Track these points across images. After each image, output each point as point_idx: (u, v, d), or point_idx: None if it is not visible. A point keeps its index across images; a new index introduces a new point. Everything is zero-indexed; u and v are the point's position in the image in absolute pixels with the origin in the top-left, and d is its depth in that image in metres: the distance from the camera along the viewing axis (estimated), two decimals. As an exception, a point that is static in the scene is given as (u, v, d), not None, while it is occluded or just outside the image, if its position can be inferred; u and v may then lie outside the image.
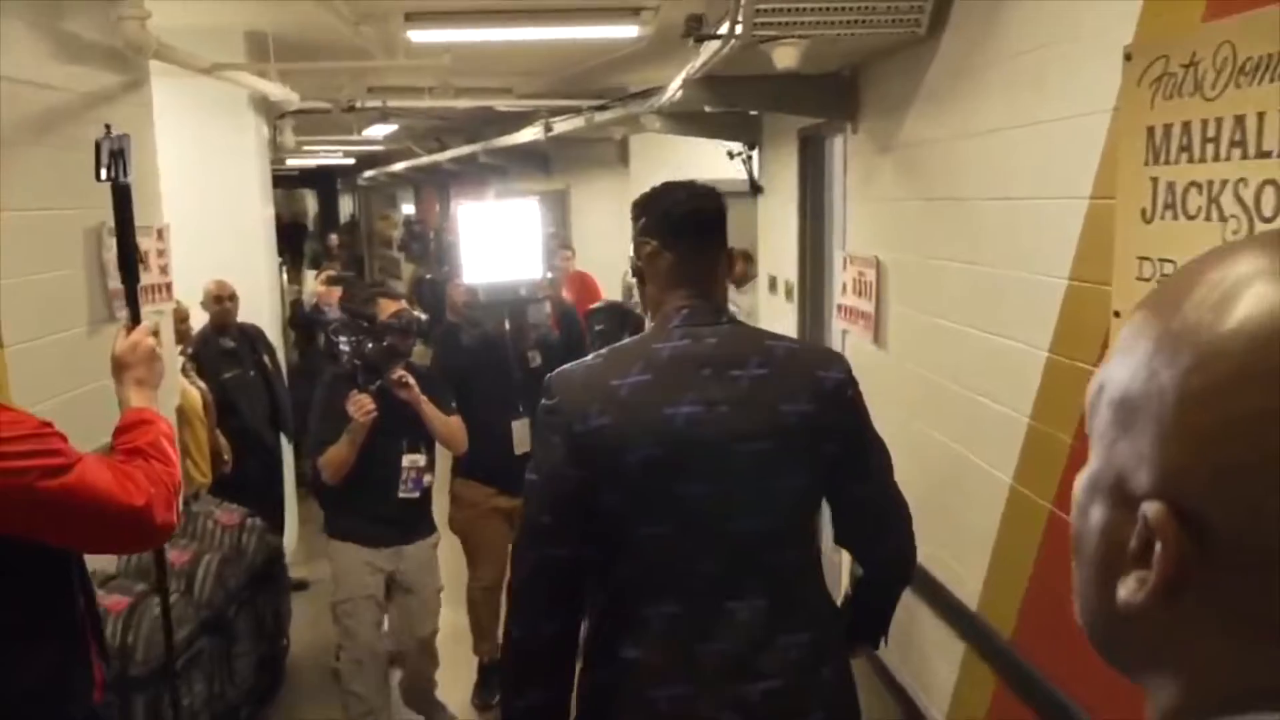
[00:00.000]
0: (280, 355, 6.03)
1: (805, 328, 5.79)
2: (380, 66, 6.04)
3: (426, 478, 3.61)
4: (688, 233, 1.79)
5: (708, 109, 5.16)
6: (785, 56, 3.44)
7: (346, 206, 26.83)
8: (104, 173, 1.97)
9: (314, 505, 6.43)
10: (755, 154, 6.59)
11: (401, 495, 3.55)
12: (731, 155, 6.62)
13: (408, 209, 19.82)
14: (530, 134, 8.73)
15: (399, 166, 15.26)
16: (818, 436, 1.71)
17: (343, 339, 3.52)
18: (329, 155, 15.88)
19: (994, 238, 3.23)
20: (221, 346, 5.33)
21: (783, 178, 6.11)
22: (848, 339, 4.86)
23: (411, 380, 3.50)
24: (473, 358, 4.11)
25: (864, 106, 4.44)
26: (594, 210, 9.91)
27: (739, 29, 3.32)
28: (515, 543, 1.81)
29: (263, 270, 5.85)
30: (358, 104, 6.29)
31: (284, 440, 5.68)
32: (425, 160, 13.27)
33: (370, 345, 3.47)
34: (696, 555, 1.67)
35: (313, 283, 6.33)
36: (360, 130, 11.12)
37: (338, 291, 6.50)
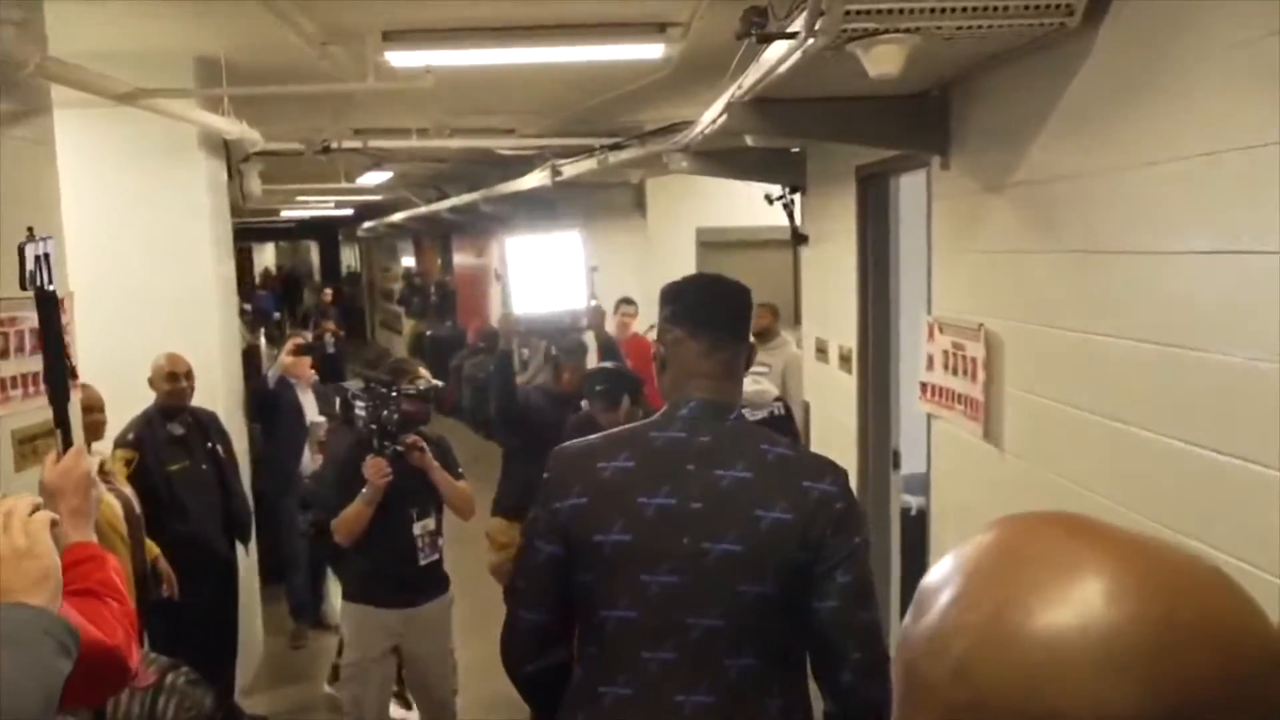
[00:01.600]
0: (241, 447, 5.06)
1: (868, 405, 4.80)
2: (360, 100, 5.13)
3: (440, 540, 3.72)
4: (716, 325, 1.79)
5: (750, 141, 4.24)
6: (885, 59, 2.48)
7: (350, 258, 26.13)
8: (28, 282, 1.77)
9: (282, 612, 5.54)
10: (798, 198, 5.65)
11: (423, 563, 3.61)
12: (771, 200, 5.68)
13: (408, 261, 18.99)
14: (536, 179, 7.83)
15: (398, 217, 14.43)
16: (790, 545, 1.67)
17: (360, 404, 3.60)
18: (320, 206, 15.06)
19: (1176, 304, 2.26)
20: (170, 433, 4.35)
21: (835, 224, 5.16)
22: (937, 426, 3.86)
23: (424, 446, 3.61)
24: (525, 403, 4.60)
25: (960, 133, 3.48)
26: (607, 262, 8.98)
27: (821, 22, 2.37)
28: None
29: (216, 342, 4.88)
30: (334, 145, 5.41)
31: (240, 551, 4.68)
32: (424, 210, 12.42)
33: (386, 411, 3.53)
34: (655, 644, 1.68)
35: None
36: (354, 178, 10.26)
37: (308, 363, 5.53)
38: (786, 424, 4.99)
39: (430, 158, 7.59)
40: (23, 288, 1.79)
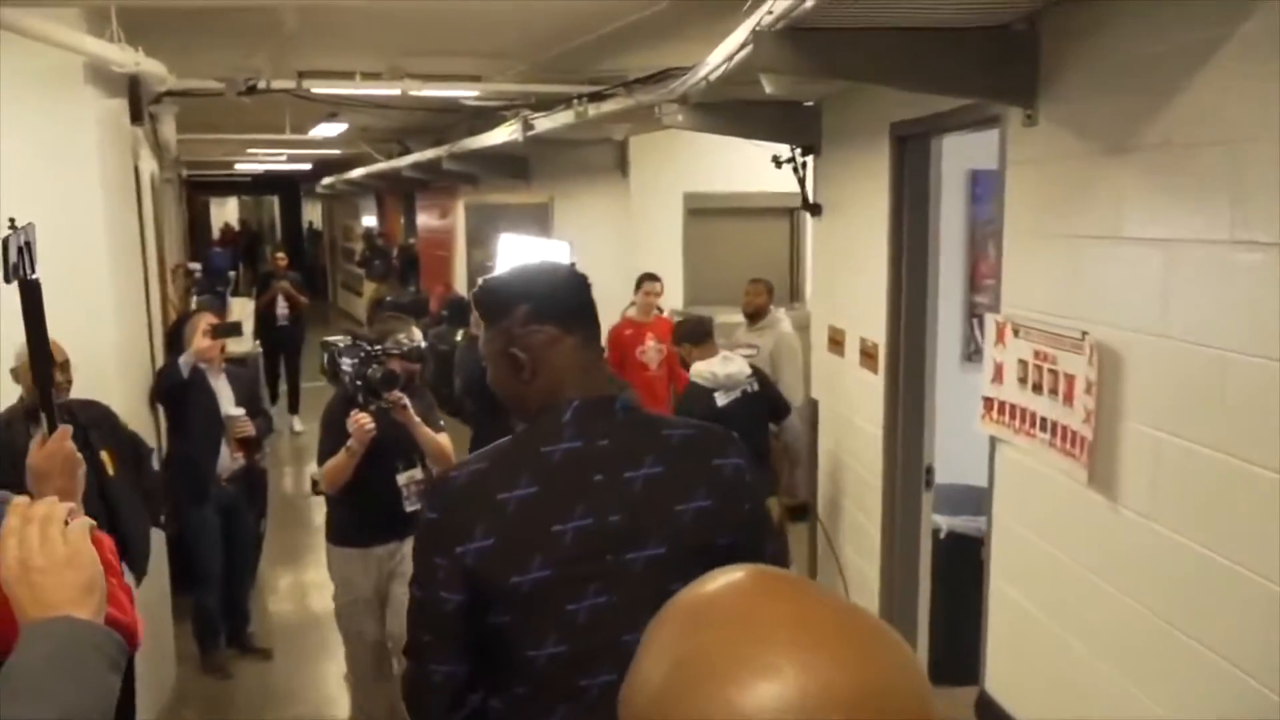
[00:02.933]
0: (155, 444, 4.20)
1: (897, 411, 4.01)
2: (291, 30, 4.22)
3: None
4: (583, 315, 1.64)
5: (769, 88, 3.42)
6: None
7: (313, 216, 25.00)
8: (12, 274, 1.63)
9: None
10: (810, 161, 4.82)
11: (408, 509, 3.67)
12: (779, 162, 4.84)
13: (369, 220, 17.95)
14: (505, 134, 6.93)
15: (358, 173, 13.42)
16: (713, 531, 1.58)
17: (346, 361, 3.70)
18: (271, 160, 14.02)
19: None
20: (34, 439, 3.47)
21: (858, 193, 4.34)
22: (1005, 454, 3.07)
23: (407, 403, 3.68)
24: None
25: (1057, 78, 2.66)
26: (583, 229, 8.11)
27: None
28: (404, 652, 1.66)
29: (110, 319, 3.99)
30: (261, 85, 4.52)
31: (132, 583, 3.81)
32: (383, 166, 11.44)
33: (372, 369, 3.65)
34: (591, 670, 1.54)
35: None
36: (306, 130, 9.29)
37: (220, 346, 4.65)
38: (766, 398, 4.61)
39: (385, 106, 6.68)
40: (6, 281, 1.75)
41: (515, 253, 9.68)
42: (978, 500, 4.67)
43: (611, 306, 6.80)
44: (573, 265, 1.83)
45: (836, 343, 4.62)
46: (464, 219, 11.33)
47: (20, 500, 1.25)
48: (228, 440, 4.66)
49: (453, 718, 1.62)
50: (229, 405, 4.69)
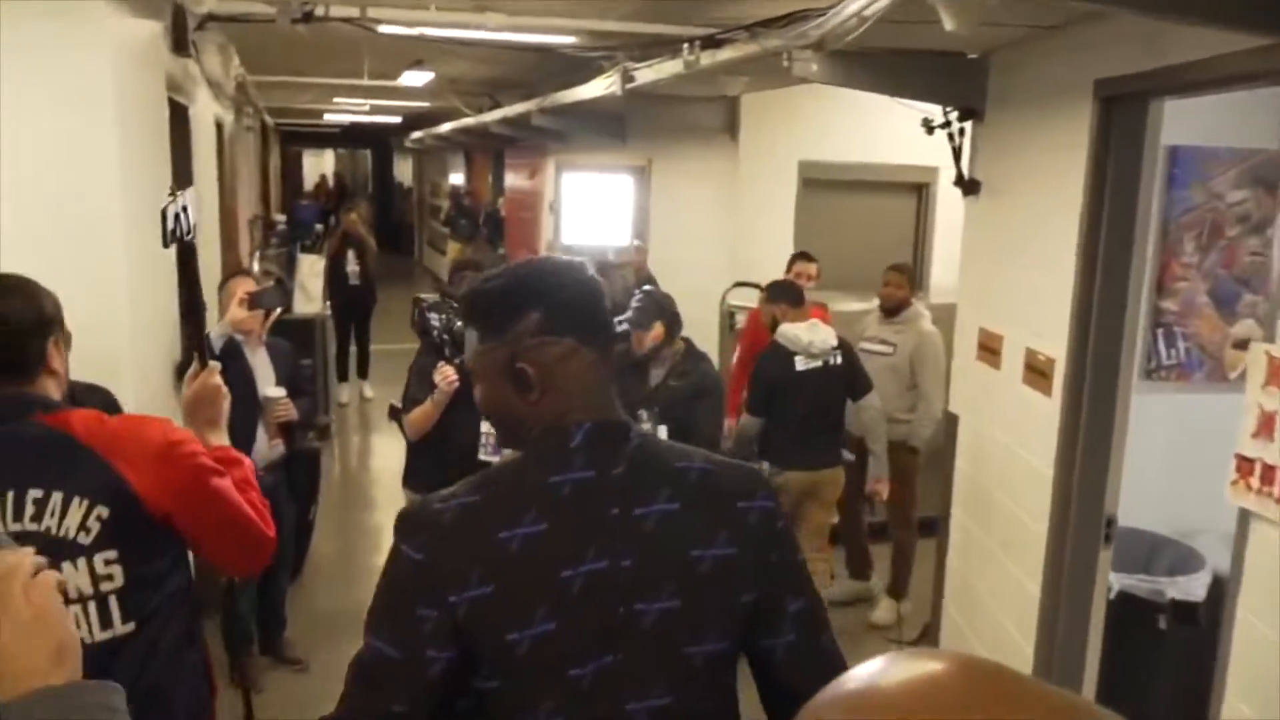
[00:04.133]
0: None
1: (1076, 447, 3.17)
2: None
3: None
4: (603, 323, 1.41)
5: (950, 25, 2.60)
6: None
7: (404, 171, 24.67)
8: (170, 238, 1.97)
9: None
10: (969, 127, 3.97)
11: (482, 457, 3.73)
12: (931, 127, 3.99)
13: (456, 178, 17.40)
14: (602, 87, 6.16)
15: (446, 128, 12.81)
16: (736, 586, 1.36)
17: (434, 315, 3.92)
18: (355, 110, 13.51)
19: None
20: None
21: (1034, 169, 3.49)
22: (1258, 531, 2.23)
23: None
24: None
25: None
26: (684, 197, 7.33)
27: None
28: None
29: (123, 289, 3.37)
30: (318, 11, 3.85)
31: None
32: (470, 121, 10.79)
33: (458, 323, 3.70)
34: None
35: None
36: (394, 77, 8.66)
37: (258, 320, 4.01)
38: (848, 373, 4.41)
39: (462, 45, 5.98)
40: (165, 245, 1.97)
41: (576, 185, 8.94)
42: (1151, 551, 3.83)
43: (710, 288, 6.03)
44: (583, 265, 1.46)
45: (990, 351, 3.78)
46: (553, 180, 10.64)
47: None
48: (265, 424, 4.04)
49: None
50: (267, 384, 4.07)
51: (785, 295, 4.54)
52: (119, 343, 3.35)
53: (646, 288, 4.72)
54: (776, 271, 6.29)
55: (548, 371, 1.35)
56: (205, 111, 5.51)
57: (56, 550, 1.70)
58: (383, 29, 5.69)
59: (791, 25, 3.90)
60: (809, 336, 4.35)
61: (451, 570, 1.28)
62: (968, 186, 3.95)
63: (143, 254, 3.51)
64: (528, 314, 1.35)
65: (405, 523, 1.33)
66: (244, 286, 4.11)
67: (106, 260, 3.28)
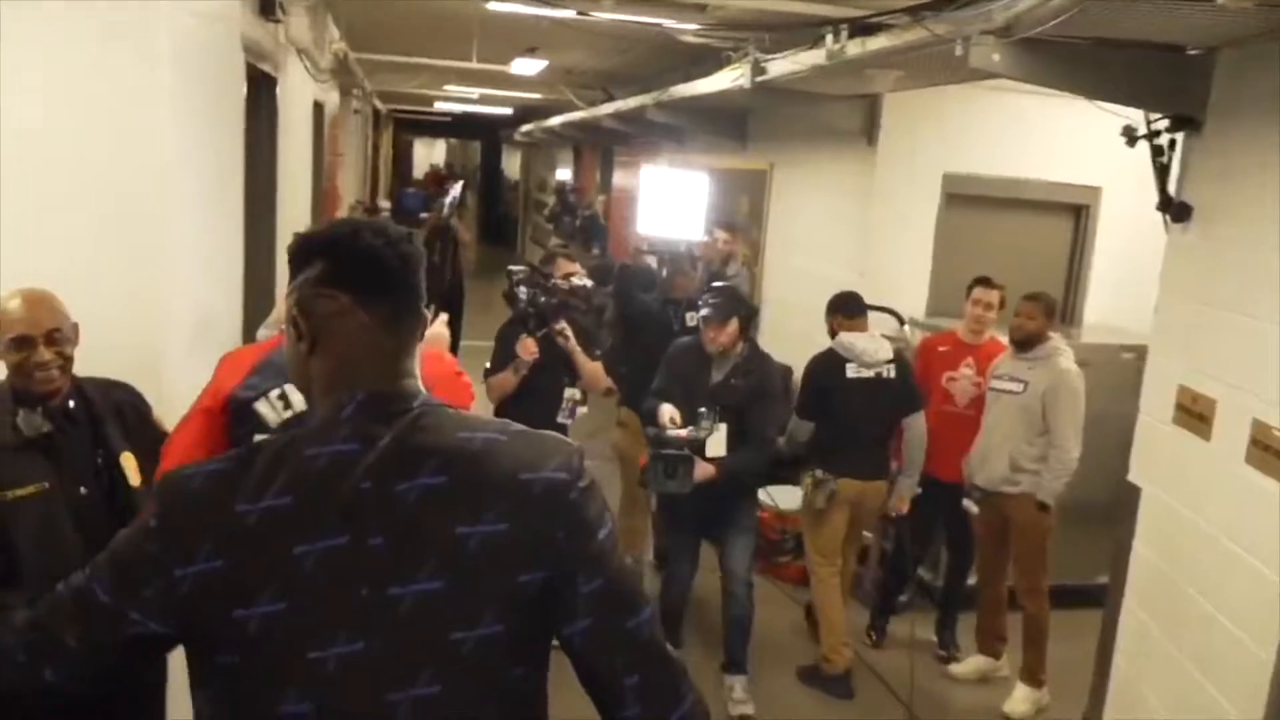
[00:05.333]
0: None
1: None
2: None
3: (580, 409, 4.27)
4: (398, 291, 1.30)
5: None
6: None
7: (512, 164, 24.49)
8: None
9: None
10: (1180, 138, 3.26)
11: (559, 420, 4.10)
12: (1133, 138, 3.30)
13: (563, 174, 17.02)
14: (728, 78, 5.58)
15: (556, 121, 12.40)
16: (513, 565, 1.23)
17: (523, 289, 4.13)
18: (463, 99, 13.19)
19: None
20: (18, 433, 2.42)
21: (1265, 196, 2.77)
22: None
23: (570, 333, 4.18)
24: (645, 307, 5.35)
25: None
26: (808, 206, 6.69)
27: None
28: None
29: (177, 272, 2.92)
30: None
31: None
32: (580, 115, 10.32)
33: (544, 299, 4.11)
34: None
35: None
36: (506, 61, 8.22)
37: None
38: (900, 389, 4.32)
39: (576, 38, 5.51)
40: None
41: (655, 179, 8.52)
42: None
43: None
44: (409, 235, 1.31)
45: (1195, 416, 3.07)
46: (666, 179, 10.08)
47: None
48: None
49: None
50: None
51: (843, 307, 4.50)
52: (165, 329, 2.91)
53: (723, 283, 4.76)
54: (910, 294, 5.64)
55: (319, 326, 1.29)
56: (298, 86, 5.11)
57: None
58: (491, 5, 5.22)
59: (967, 6, 3.26)
60: (863, 344, 4.32)
61: (181, 542, 1.21)
62: (1175, 211, 3.24)
63: (207, 226, 3.06)
64: (314, 263, 1.30)
65: (158, 485, 1.29)
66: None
67: (150, 228, 2.83)
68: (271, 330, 3.43)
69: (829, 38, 4.23)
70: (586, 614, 1.26)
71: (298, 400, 2.16)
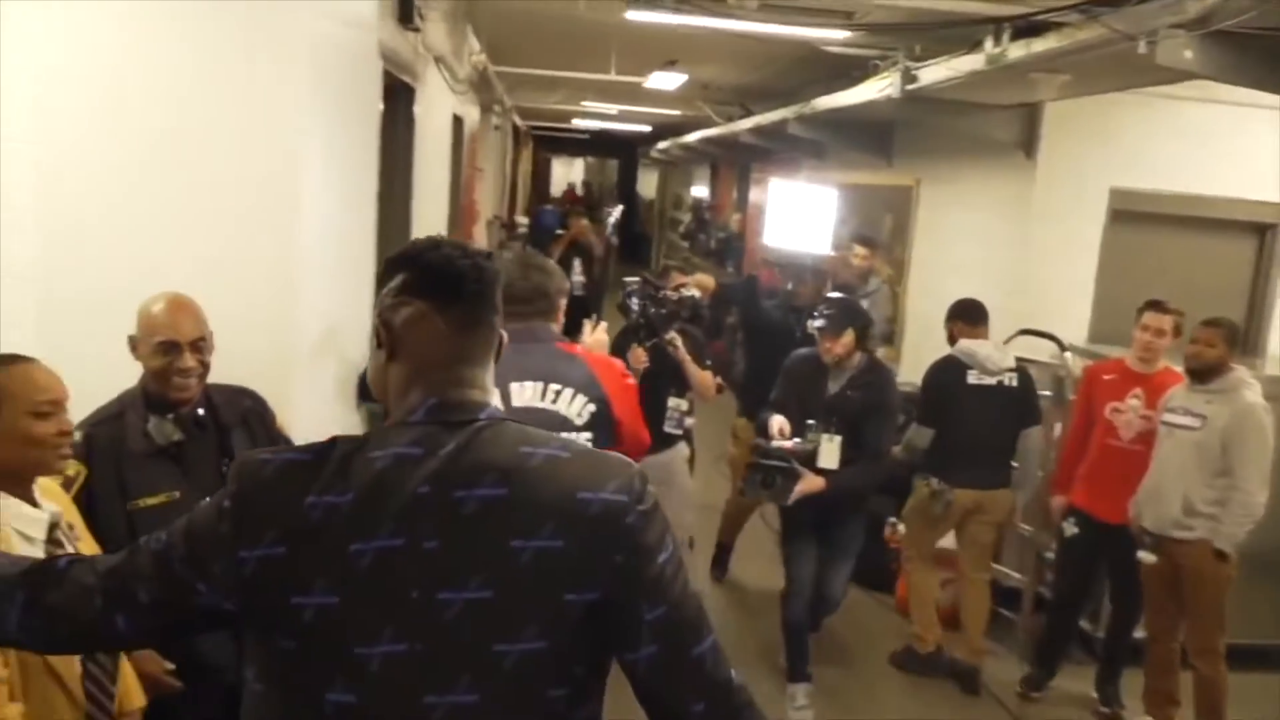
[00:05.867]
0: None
1: None
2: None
3: (688, 420, 4.35)
4: (469, 297, 1.35)
5: None
6: None
7: (648, 182, 24.57)
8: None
9: None
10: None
11: (666, 429, 4.13)
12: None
13: (698, 191, 16.90)
14: (874, 89, 5.33)
15: (693, 137, 12.29)
16: (562, 583, 1.24)
17: (634, 300, 4.19)
18: (602, 116, 13.20)
19: None
20: (149, 440, 2.39)
21: None
22: None
23: (679, 342, 4.17)
24: (767, 315, 5.40)
25: None
26: (959, 223, 6.34)
27: None
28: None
29: (299, 270, 2.87)
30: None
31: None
32: (720, 130, 10.17)
33: (654, 309, 4.15)
34: None
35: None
36: (644, 73, 8.12)
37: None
38: (1021, 400, 4.29)
39: (715, 52, 5.34)
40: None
41: (783, 198, 8.40)
42: None
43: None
44: (489, 254, 1.41)
45: None
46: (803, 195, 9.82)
47: None
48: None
49: (65, 631, 1.35)
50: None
51: (962, 314, 4.49)
52: (291, 339, 2.86)
53: (838, 294, 4.71)
54: (1072, 318, 5.24)
55: (398, 334, 1.35)
56: (438, 98, 5.11)
57: (563, 424, 2.60)
58: (630, 14, 5.11)
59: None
60: (983, 351, 4.29)
61: (250, 526, 1.26)
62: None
63: (333, 236, 3.01)
64: (396, 276, 1.37)
65: (235, 468, 1.32)
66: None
67: (287, 245, 2.78)
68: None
69: (988, 40, 3.94)
70: (651, 641, 1.27)
71: (506, 397, 2.67)
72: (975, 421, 4.23)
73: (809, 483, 3.78)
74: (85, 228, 2.70)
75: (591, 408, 2.66)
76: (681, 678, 1.28)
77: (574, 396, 2.66)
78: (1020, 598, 4.79)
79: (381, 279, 1.39)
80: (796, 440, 3.83)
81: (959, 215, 6.32)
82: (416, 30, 3.84)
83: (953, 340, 4.41)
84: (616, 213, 9.92)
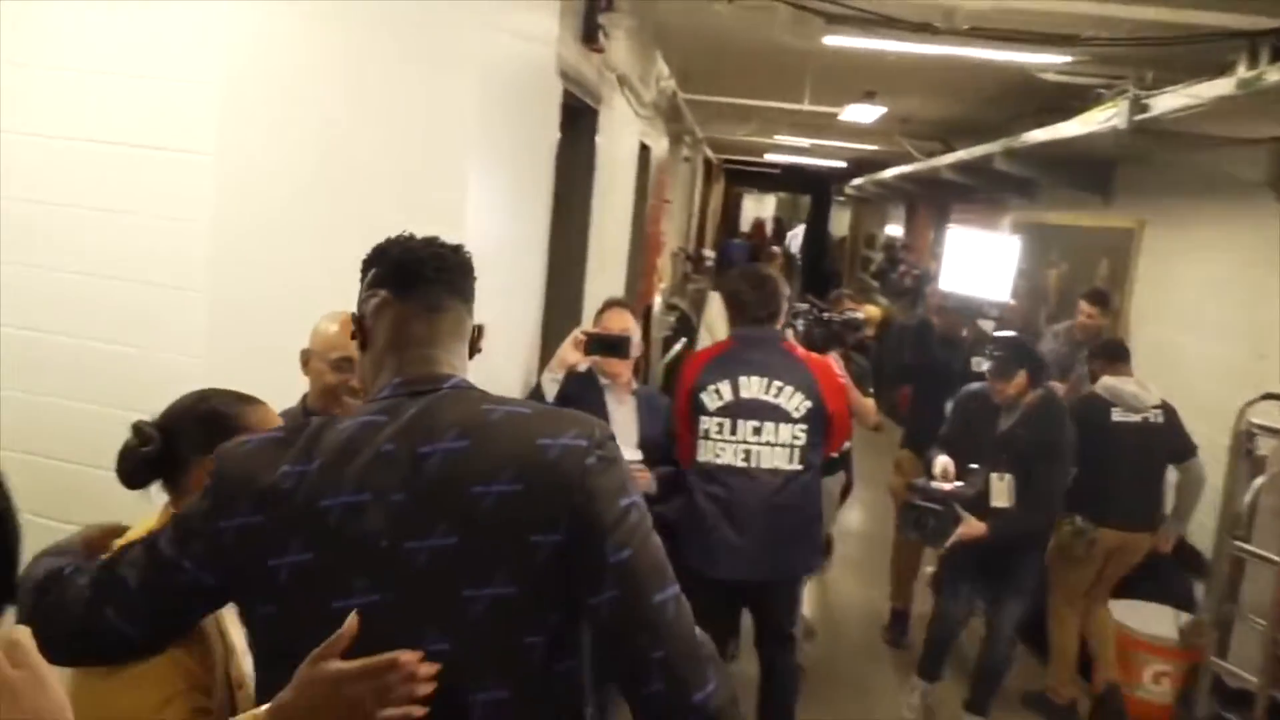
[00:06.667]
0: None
1: None
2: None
3: (846, 444, 4.23)
4: (424, 283, 1.44)
5: None
6: None
7: (841, 221, 24.03)
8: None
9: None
10: None
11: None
12: None
13: (892, 230, 16.30)
14: (1098, 119, 4.83)
15: (889, 174, 11.82)
16: (526, 525, 1.27)
17: (799, 322, 4.25)
18: (798, 150, 12.92)
19: None
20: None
21: None
22: None
23: (840, 365, 3.90)
24: (934, 353, 5.33)
25: None
26: (1189, 269, 5.69)
27: None
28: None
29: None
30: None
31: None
32: (919, 166, 9.69)
33: (817, 331, 4.21)
34: None
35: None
36: (839, 103, 7.81)
37: (624, 364, 3.26)
38: (1169, 434, 4.23)
39: (916, 84, 4.97)
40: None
41: (961, 245, 8.10)
42: None
43: (1220, 397, 4.48)
44: (457, 247, 1.47)
45: None
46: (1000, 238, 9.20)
47: None
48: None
49: (70, 653, 1.37)
50: (624, 443, 3.31)
51: (1103, 353, 4.56)
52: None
53: (1006, 333, 4.59)
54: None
55: (368, 325, 1.44)
56: (622, 122, 4.99)
57: (782, 415, 3.13)
58: (828, 39, 4.85)
59: None
60: (1126, 388, 4.26)
61: (227, 499, 1.32)
62: None
63: (498, 255, 2.88)
64: (369, 272, 1.46)
65: (216, 452, 1.37)
66: (618, 320, 3.41)
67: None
68: (558, 375, 3.22)
69: (1241, 62, 3.44)
70: (614, 585, 1.27)
71: (735, 388, 3.16)
72: (1120, 460, 4.17)
73: (969, 527, 3.70)
74: (254, 241, 2.67)
75: (808, 404, 3.13)
76: (643, 623, 1.26)
77: (793, 393, 3.13)
78: (1252, 701, 4.15)
79: (363, 275, 1.47)
80: (958, 484, 3.78)
81: (1192, 263, 5.66)
82: (599, 51, 3.71)
83: (1094, 379, 4.44)
84: (799, 231, 10.14)
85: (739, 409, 3.14)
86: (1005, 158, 6.78)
